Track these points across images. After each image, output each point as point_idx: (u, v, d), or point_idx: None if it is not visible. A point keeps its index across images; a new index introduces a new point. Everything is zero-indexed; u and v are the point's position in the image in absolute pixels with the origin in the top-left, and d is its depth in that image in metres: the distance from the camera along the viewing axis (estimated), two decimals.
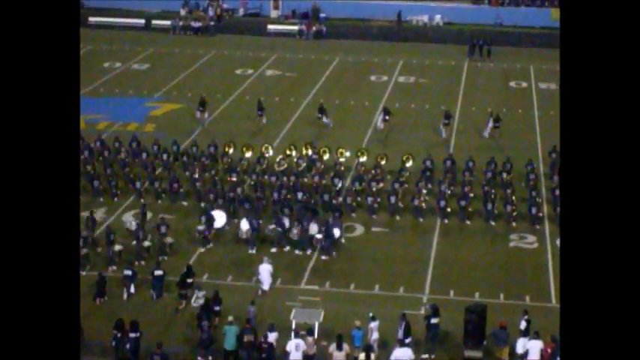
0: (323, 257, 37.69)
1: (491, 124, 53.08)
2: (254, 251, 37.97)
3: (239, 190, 42.43)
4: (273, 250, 37.95)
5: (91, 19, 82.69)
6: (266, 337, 29.50)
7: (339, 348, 28.96)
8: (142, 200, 42.62)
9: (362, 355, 28.63)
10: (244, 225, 38.59)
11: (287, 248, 38.25)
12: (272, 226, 38.73)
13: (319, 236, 38.00)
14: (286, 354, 29.33)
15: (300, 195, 42.34)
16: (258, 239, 38.51)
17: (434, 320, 30.91)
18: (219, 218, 39.30)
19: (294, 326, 30.87)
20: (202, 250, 38.17)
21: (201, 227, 38.48)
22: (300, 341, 29.41)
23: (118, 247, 37.16)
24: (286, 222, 38.76)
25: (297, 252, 37.95)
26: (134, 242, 37.46)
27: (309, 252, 38.00)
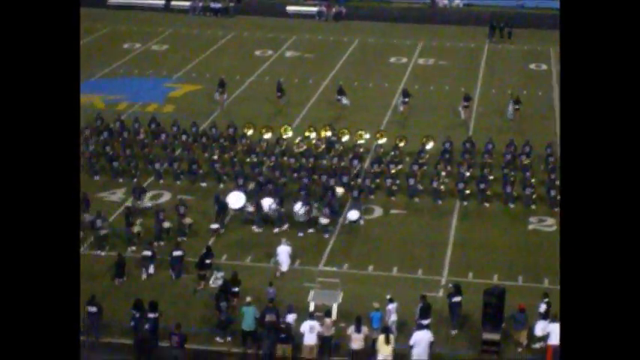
0: (325, 236, 37.71)
1: (511, 107, 52.90)
2: (277, 230, 38.00)
3: (257, 171, 42.47)
4: (301, 234, 37.95)
5: (111, 0, 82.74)
6: (284, 317, 29.55)
7: (358, 330, 28.96)
8: (135, 180, 42.72)
9: (381, 337, 28.62)
10: (298, 207, 38.52)
11: (311, 230, 38.21)
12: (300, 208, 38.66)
13: (325, 221, 38.00)
14: (301, 335, 29.37)
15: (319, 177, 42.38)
16: (280, 219, 38.54)
17: (456, 299, 30.90)
18: (238, 199, 39.30)
19: (312, 308, 30.91)
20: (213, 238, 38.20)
21: (214, 226, 38.27)
22: (314, 323, 29.41)
23: (137, 229, 37.27)
24: (304, 204, 38.78)
25: (299, 234, 37.91)
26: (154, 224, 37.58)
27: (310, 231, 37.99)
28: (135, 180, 42.51)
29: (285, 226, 38.34)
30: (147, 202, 40.56)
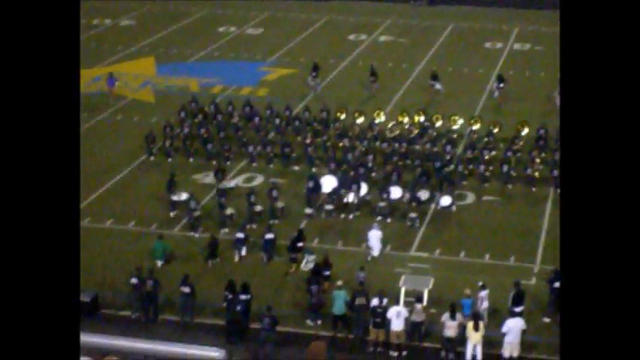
0: (411, 215, 37.66)
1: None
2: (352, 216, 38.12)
3: (350, 155, 42.48)
4: (389, 220, 37.93)
5: None
6: (381, 301, 29.34)
7: (453, 317, 28.74)
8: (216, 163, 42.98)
9: (470, 324, 28.43)
10: (393, 192, 38.60)
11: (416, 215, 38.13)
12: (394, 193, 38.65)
13: (425, 195, 37.91)
14: (388, 321, 29.29)
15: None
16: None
17: (557, 284, 30.44)
18: (329, 183, 39.36)
19: (403, 293, 30.82)
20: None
21: (309, 211, 38.46)
22: (402, 308, 29.29)
23: (230, 211, 37.61)
24: (397, 189, 38.68)
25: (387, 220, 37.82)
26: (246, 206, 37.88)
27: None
28: (215, 163, 42.85)
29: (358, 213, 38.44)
30: (229, 182, 40.82)
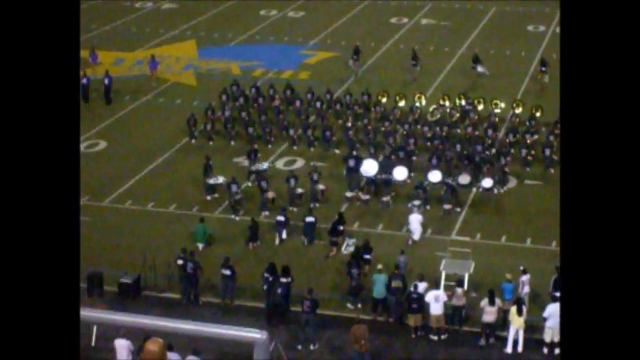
0: (445, 206, 37.48)
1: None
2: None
3: (391, 139, 42.40)
4: (428, 206, 37.83)
5: None
6: (416, 287, 29.50)
7: (492, 303, 28.63)
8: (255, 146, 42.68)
9: (513, 309, 28.31)
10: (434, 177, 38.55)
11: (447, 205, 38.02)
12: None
13: (466, 180, 37.88)
14: (427, 305, 29.26)
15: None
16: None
17: None
18: (371, 166, 39.26)
19: (443, 277, 30.77)
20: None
21: (365, 197, 38.39)
22: (440, 292, 29.23)
23: (271, 194, 37.70)
24: (436, 173, 38.55)
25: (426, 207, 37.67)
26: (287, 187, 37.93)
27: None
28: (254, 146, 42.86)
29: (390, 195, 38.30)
30: (262, 163, 40.83)
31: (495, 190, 38.74)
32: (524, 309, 28.41)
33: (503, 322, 29.05)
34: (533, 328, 28.80)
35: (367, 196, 38.30)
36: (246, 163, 41.08)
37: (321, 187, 38.51)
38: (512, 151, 42.01)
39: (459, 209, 37.56)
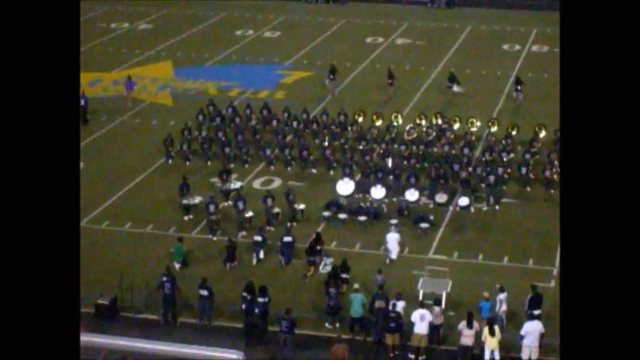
0: (422, 225, 37.44)
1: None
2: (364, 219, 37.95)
3: (368, 158, 42.49)
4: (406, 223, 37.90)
5: None
6: (394, 305, 29.49)
7: (470, 326, 28.58)
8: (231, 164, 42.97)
9: (486, 329, 28.28)
10: (409, 194, 38.67)
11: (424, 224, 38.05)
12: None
13: (443, 198, 37.89)
14: (412, 324, 29.23)
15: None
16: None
17: None
18: (347, 186, 39.36)
19: (421, 296, 30.79)
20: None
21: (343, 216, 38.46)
22: (425, 311, 29.21)
23: (249, 214, 37.64)
24: (413, 192, 38.67)
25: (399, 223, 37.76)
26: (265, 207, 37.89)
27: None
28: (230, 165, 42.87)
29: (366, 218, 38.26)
30: (234, 183, 40.81)
31: (472, 209, 38.87)
32: (497, 329, 28.31)
33: (480, 342, 29.03)
34: (511, 346, 28.82)
35: (345, 216, 38.30)
36: (219, 184, 40.86)
37: (300, 205, 38.48)
38: (489, 169, 42.11)
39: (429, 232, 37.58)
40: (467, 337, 28.63)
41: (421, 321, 28.94)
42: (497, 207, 39.39)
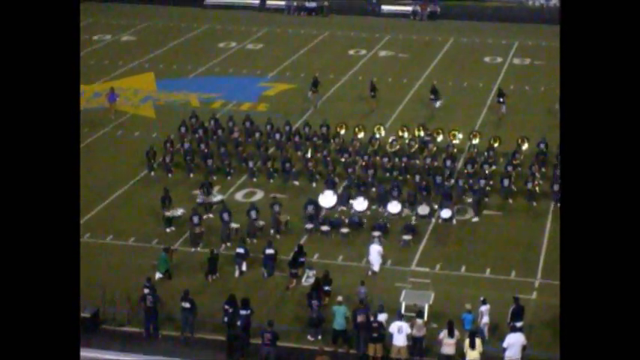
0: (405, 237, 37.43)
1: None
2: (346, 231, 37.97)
3: (350, 170, 42.55)
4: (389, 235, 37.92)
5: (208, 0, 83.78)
6: (376, 315, 29.48)
7: (451, 335, 28.62)
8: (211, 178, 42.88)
9: (466, 341, 28.30)
10: (392, 206, 38.77)
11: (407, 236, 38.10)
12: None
13: (425, 210, 38.00)
14: (390, 336, 29.25)
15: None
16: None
17: None
18: (329, 198, 39.40)
19: (403, 308, 30.80)
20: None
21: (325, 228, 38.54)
22: (403, 323, 29.19)
23: (234, 225, 37.57)
24: (395, 204, 38.77)
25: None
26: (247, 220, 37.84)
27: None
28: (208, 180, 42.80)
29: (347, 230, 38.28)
30: (216, 196, 40.76)
31: (454, 222, 38.95)
32: (478, 341, 28.27)
33: (462, 353, 29.07)
34: (493, 358, 28.84)
35: (327, 228, 38.30)
36: (200, 198, 40.68)
37: (285, 217, 38.47)
38: (471, 181, 42.22)
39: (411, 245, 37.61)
40: (448, 346, 28.64)
41: (399, 333, 28.94)
42: (477, 218, 39.49)
